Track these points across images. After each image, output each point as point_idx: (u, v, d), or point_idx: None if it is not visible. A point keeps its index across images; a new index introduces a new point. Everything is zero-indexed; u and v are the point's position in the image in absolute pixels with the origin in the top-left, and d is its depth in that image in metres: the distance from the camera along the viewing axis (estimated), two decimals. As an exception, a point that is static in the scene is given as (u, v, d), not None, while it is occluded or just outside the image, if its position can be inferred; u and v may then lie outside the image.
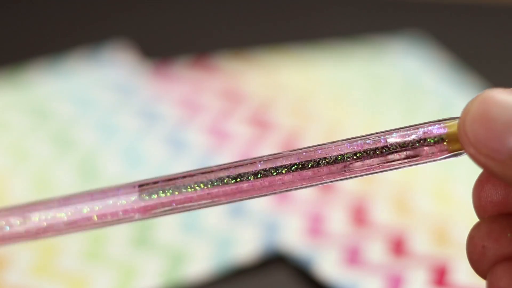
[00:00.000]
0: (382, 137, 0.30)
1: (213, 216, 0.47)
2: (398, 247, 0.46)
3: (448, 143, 0.29)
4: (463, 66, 0.62)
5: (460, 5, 0.70)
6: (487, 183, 0.31)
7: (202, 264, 0.45)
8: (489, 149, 0.27)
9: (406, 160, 0.30)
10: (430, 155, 0.29)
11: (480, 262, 0.30)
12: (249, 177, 0.30)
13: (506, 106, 0.26)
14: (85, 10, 0.69)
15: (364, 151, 0.30)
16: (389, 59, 0.62)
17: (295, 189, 0.30)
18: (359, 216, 0.48)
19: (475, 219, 0.49)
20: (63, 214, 0.31)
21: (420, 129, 0.29)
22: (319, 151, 0.30)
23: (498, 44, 0.66)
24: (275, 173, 0.30)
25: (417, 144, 0.29)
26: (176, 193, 0.30)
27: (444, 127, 0.29)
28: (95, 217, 0.31)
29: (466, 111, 0.27)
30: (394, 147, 0.30)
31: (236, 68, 0.60)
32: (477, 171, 0.50)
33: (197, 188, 0.30)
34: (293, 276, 0.45)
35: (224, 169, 0.30)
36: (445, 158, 0.30)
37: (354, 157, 0.30)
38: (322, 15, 0.70)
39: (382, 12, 0.70)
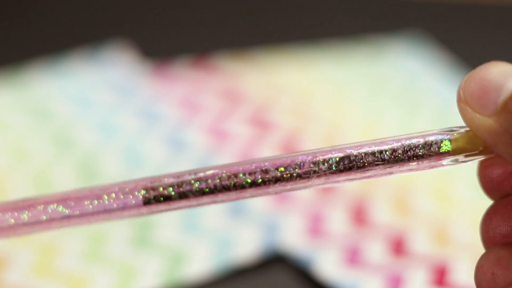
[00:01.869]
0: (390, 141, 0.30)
1: (213, 216, 0.47)
2: (398, 247, 0.46)
3: (453, 149, 0.30)
4: (463, 66, 0.62)
5: (460, 5, 0.70)
6: (496, 215, 0.32)
7: (202, 264, 0.44)
8: (478, 105, 0.29)
9: (411, 164, 0.30)
10: (434, 159, 0.30)
11: None
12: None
13: (502, 72, 0.29)
14: (85, 10, 0.69)
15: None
16: (389, 59, 0.62)
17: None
18: (359, 216, 0.48)
19: (475, 219, 0.49)
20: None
21: (424, 139, 0.30)
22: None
23: (498, 44, 0.66)
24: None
25: (422, 149, 0.30)
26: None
27: (449, 134, 0.30)
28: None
29: (469, 73, 0.30)
30: (399, 151, 0.30)
31: (236, 68, 0.60)
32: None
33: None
34: (293, 276, 0.45)
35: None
36: (447, 164, 0.30)
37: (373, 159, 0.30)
38: (322, 15, 0.69)
39: (382, 12, 0.70)
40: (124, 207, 0.31)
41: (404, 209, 0.48)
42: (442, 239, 0.46)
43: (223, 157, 0.52)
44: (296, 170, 0.30)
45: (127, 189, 0.31)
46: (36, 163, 0.51)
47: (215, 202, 0.31)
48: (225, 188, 0.30)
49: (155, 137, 0.53)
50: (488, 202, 0.51)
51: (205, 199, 0.30)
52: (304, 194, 0.49)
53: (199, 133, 0.54)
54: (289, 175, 0.30)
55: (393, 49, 0.63)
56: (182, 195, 0.30)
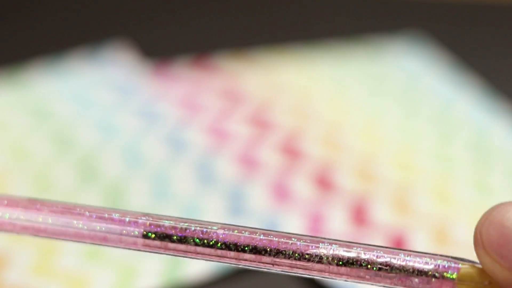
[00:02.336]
0: (396, 256, 0.30)
1: (214, 216, 0.47)
2: (398, 247, 0.46)
3: (457, 283, 0.29)
4: (463, 66, 0.62)
5: (460, 5, 0.70)
6: None
7: (202, 263, 0.44)
8: (498, 254, 0.27)
9: (413, 281, 0.29)
10: (436, 283, 0.29)
11: None
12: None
13: None
14: (85, 9, 0.69)
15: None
16: (389, 59, 0.62)
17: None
18: (359, 215, 0.48)
19: (475, 219, 0.49)
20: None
21: (433, 260, 0.29)
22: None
23: (498, 44, 0.66)
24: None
25: (426, 275, 0.29)
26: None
27: (458, 267, 0.29)
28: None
29: (487, 214, 0.28)
30: (403, 270, 0.30)
31: (236, 68, 0.60)
32: (478, 171, 0.50)
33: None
34: (293, 275, 0.45)
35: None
36: None
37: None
38: (322, 15, 0.69)
39: (382, 12, 0.70)
40: (121, 234, 0.31)
41: (404, 209, 0.49)
42: (442, 238, 0.46)
43: (223, 157, 0.52)
44: (297, 255, 0.30)
45: (128, 218, 0.31)
46: (36, 162, 0.51)
47: (213, 257, 0.30)
48: (227, 246, 0.30)
49: (155, 136, 0.53)
50: (489, 201, 0.51)
51: (205, 250, 0.30)
52: (304, 193, 0.49)
53: (199, 133, 0.54)
54: (291, 254, 0.30)
55: (393, 49, 0.63)
56: (183, 240, 0.30)
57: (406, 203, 0.49)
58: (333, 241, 0.30)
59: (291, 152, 0.53)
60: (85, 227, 0.31)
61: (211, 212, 0.47)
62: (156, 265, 0.44)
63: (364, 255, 0.29)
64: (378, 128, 0.56)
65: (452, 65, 0.62)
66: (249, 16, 0.69)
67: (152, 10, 0.69)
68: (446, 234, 0.47)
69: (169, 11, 0.69)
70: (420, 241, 0.46)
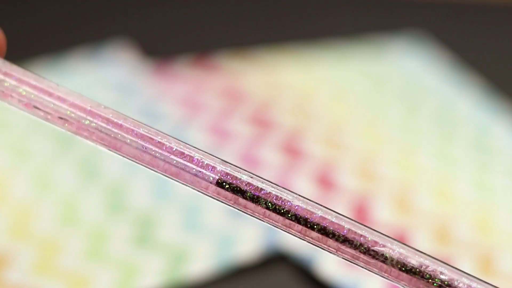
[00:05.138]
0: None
1: (215, 215, 0.47)
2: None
3: None
4: (464, 66, 0.62)
5: (461, 5, 0.70)
6: None
7: (203, 262, 0.45)
8: None
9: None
10: None
11: None
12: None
13: None
14: (87, 8, 0.69)
15: None
16: (390, 58, 0.62)
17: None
18: (361, 215, 0.48)
19: (476, 218, 0.49)
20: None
21: None
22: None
23: (499, 43, 0.67)
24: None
25: None
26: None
27: None
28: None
29: None
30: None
31: (237, 67, 0.60)
32: (479, 169, 0.50)
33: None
34: (294, 275, 0.45)
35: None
36: None
37: None
38: (323, 14, 0.70)
39: (383, 11, 0.70)
40: (196, 174, 0.30)
41: (406, 208, 0.49)
42: (443, 237, 0.46)
43: (225, 156, 0.52)
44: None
45: (207, 161, 0.30)
46: (38, 162, 0.51)
47: (279, 225, 0.30)
48: (296, 219, 0.29)
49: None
50: (489, 200, 0.51)
51: (274, 216, 0.29)
52: (306, 192, 0.49)
53: (200, 132, 0.54)
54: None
55: (394, 48, 0.63)
56: (255, 199, 0.30)
57: (407, 202, 0.49)
58: (402, 245, 0.29)
59: (293, 151, 0.53)
60: (162, 157, 0.31)
61: (213, 210, 0.47)
62: (158, 263, 0.44)
63: (429, 268, 0.29)
64: (379, 127, 0.56)
65: (452, 65, 0.62)
66: (250, 15, 0.69)
67: (153, 9, 0.69)
68: (447, 233, 0.47)
69: (170, 10, 0.69)
70: (421, 240, 0.46)
